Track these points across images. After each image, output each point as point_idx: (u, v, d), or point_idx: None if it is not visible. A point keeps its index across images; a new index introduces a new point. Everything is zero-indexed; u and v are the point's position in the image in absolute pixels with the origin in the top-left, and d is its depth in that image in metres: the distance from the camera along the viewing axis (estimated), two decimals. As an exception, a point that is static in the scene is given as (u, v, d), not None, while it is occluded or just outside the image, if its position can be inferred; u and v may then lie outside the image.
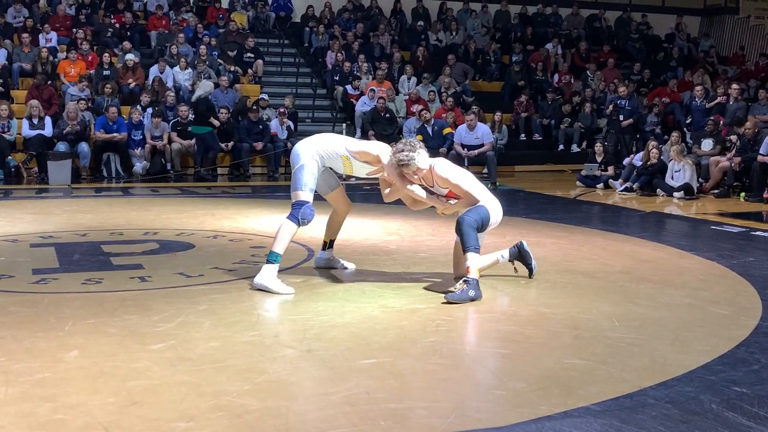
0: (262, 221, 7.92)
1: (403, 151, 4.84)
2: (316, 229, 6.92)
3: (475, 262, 4.76)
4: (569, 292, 4.97)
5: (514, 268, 5.32)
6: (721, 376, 3.41)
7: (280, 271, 4.96)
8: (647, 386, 3.23)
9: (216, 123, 13.00)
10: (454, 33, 18.37)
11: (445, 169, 5.02)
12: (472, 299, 4.62)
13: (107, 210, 8.86)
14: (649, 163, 11.24)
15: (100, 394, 3.07)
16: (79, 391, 3.10)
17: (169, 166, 12.79)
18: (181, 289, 4.91)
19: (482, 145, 12.54)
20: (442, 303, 4.62)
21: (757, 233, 7.64)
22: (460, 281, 4.76)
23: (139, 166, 12.57)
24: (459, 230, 4.85)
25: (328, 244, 5.59)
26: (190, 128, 12.99)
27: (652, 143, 11.67)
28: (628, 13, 20.02)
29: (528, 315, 4.43)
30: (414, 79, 15.87)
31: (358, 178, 5.11)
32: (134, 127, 12.76)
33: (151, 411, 2.93)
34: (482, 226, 4.91)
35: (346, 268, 5.56)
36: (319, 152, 5.01)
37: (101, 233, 7.10)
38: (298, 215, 4.90)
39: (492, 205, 5.01)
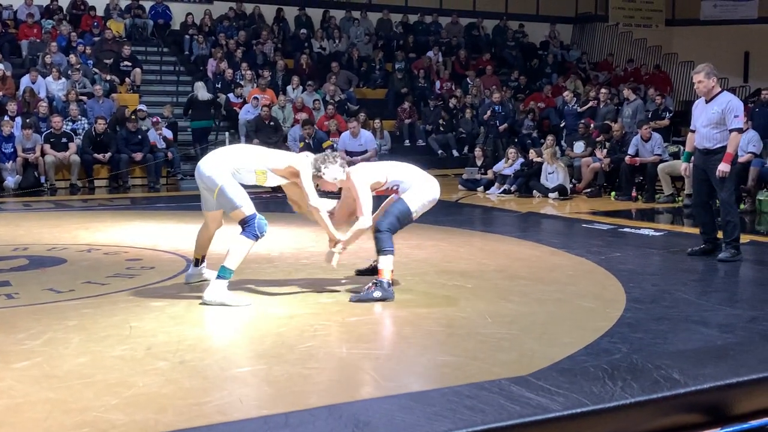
0: (140, 233, 7.73)
1: (322, 160, 4.96)
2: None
3: (386, 265, 4.86)
4: (446, 292, 5.10)
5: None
6: (584, 366, 3.57)
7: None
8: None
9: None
10: (337, 41, 18.46)
11: (357, 178, 5.04)
12: (379, 299, 4.74)
13: (-26, 227, 8.44)
14: (534, 162, 11.67)
15: (-43, 417, 2.94)
16: (-67, 416, 2.96)
17: (43, 179, 12.29)
18: (50, 305, 4.74)
19: (366, 152, 12.68)
20: (349, 301, 4.75)
21: (625, 230, 8.02)
22: (370, 282, 4.86)
23: (10, 180, 12.01)
24: (375, 236, 4.97)
25: (201, 261, 5.36)
26: (188, 122, 13.89)
27: (510, 150, 12.19)
28: (505, 21, 20.64)
29: (405, 316, 4.52)
30: (301, 88, 15.85)
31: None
32: (4, 139, 12.19)
33: (13, 430, 2.82)
34: (400, 221, 5.05)
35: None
36: (232, 169, 4.81)
37: (-34, 251, 6.76)
38: (255, 231, 4.73)
39: (416, 193, 5.10)
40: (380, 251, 4.91)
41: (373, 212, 5.14)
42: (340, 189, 5.24)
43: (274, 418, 2.76)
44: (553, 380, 3.05)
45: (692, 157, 6.56)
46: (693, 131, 6.48)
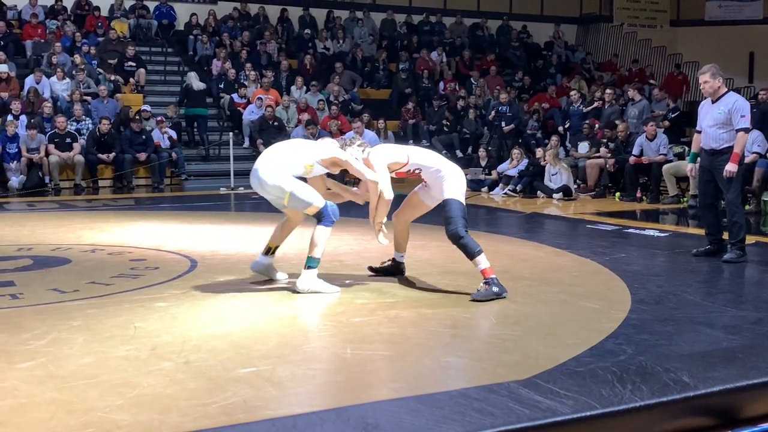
0: (144, 234, 7.74)
1: (343, 143, 5.21)
2: (199, 242, 6.83)
3: (485, 263, 4.92)
4: (450, 293, 5.08)
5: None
6: (589, 367, 3.56)
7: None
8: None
9: None
10: (341, 41, 18.47)
11: (375, 158, 5.16)
12: (498, 295, 4.82)
13: (-21, 227, 8.45)
14: (541, 163, 11.65)
15: (-38, 418, 2.94)
16: (-62, 416, 2.96)
17: (47, 180, 12.31)
18: (55, 306, 4.74)
19: (369, 152, 12.64)
20: (470, 300, 4.79)
21: (630, 230, 8.01)
22: (482, 282, 4.88)
23: (15, 180, 12.05)
24: (456, 244, 5.03)
25: (272, 250, 5.44)
26: (182, 110, 14.31)
27: (514, 150, 12.14)
28: (508, 21, 20.62)
29: (409, 316, 4.51)
30: (305, 89, 15.85)
31: None
32: (9, 139, 12.22)
33: (17, 431, 2.82)
34: (465, 216, 5.08)
35: (278, 279, 5.46)
36: (293, 174, 4.99)
37: (-29, 251, 6.76)
38: (331, 218, 5.00)
39: (454, 184, 5.16)
40: (472, 255, 4.96)
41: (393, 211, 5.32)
42: (345, 171, 5.40)
43: (282, 421, 2.75)
44: (562, 383, 3.04)
45: (698, 158, 6.55)
46: (699, 132, 6.46)
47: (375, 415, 2.73)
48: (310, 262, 5.01)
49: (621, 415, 2.85)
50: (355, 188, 5.63)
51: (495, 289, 4.85)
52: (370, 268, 5.69)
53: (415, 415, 2.69)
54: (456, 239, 5.00)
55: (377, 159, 5.15)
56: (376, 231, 5.27)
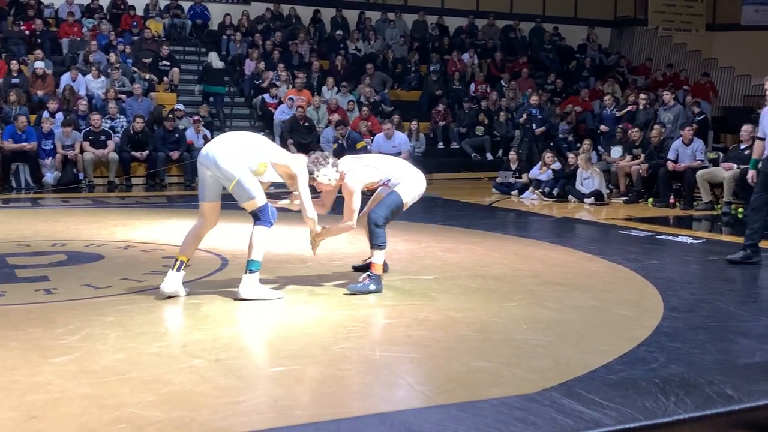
0: (176, 231, 7.78)
1: (314, 162, 5.07)
2: (230, 240, 6.87)
3: (379, 259, 5.11)
4: (480, 297, 5.06)
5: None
6: (621, 375, 3.53)
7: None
8: (549, 386, 3.32)
9: None
10: (372, 42, 18.49)
11: (352, 182, 5.16)
12: (371, 292, 4.97)
13: (14, 221, 8.58)
14: (570, 167, 11.56)
15: (-2, 410, 2.98)
16: (-26, 408, 3.01)
17: (81, 176, 12.47)
18: (88, 301, 4.80)
19: (399, 154, 12.63)
20: (344, 294, 4.94)
21: (663, 237, 7.92)
22: (364, 275, 5.11)
23: (49, 176, 12.21)
24: (368, 228, 5.21)
25: (184, 265, 4.95)
26: (202, 87, 15.26)
27: (547, 154, 12.04)
28: (541, 23, 20.51)
29: (438, 319, 4.50)
30: (335, 89, 15.90)
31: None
32: (45, 136, 12.39)
33: (50, 425, 2.86)
34: (394, 213, 5.24)
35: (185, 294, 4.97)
36: (247, 163, 4.83)
37: (7, 245, 6.87)
38: (270, 218, 4.88)
39: (408, 186, 5.28)
40: (376, 246, 5.14)
41: (362, 209, 5.36)
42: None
43: (325, 425, 2.77)
44: (605, 393, 3.01)
45: (759, 164, 6.47)
46: (762, 139, 6.43)
47: (418, 421, 2.73)
48: (251, 266, 4.81)
49: (665, 428, 2.81)
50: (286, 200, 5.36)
51: (372, 286, 5.02)
52: (354, 267, 5.82)
53: (458, 423, 2.68)
54: (373, 224, 5.15)
55: (355, 185, 5.16)
56: (314, 245, 5.33)
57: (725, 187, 10.15)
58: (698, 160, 10.83)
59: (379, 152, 12.65)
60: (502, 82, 17.67)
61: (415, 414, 2.90)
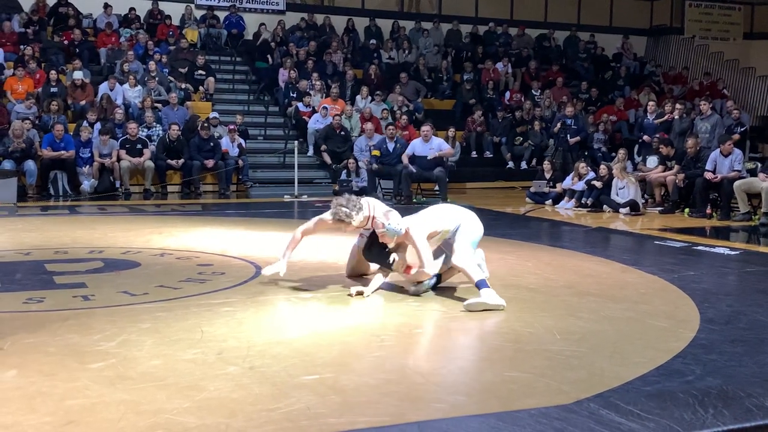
0: (211, 239, 7.87)
1: (343, 206, 5.16)
2: (264, 248, 6.91)
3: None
4: (513, 307, 5.03)
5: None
6: (656, 387, 3.49)
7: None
8: (583, 398, 3.29)
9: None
10: (406, 51, 18.54)
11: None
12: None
13: (53, 228, 8.72)
14: (604, 177, 11.46)
15: (37, 414, 3.03)
16: (14, 411, 3.06)
17: (118, 184, 12.65)
18: (125, 308, 4.86)
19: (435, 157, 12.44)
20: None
21: (699, 248, 7.82)
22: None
23: (87, 184, 12.41)
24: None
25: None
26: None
27: (581, 164, 11.94)
28: (575, 32, 20.40)
29: (472, 329, 4.49)
30: (369, 98, 15.94)
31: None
32: (82, 144, 12.60)
33: (87, 430, 2.90)
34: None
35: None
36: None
37: (45, 252, 6.99)
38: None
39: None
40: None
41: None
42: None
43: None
44: (643, 405, 2.99)
45: None
46: None
47: (457, 430, 2.73)
48: (481, 284, 5.02)
49: (704, 440, 2.79)
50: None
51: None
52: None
53: (497, 433, 2.68)
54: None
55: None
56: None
57: (763, 198, 10.00)
58: (736, 170, 10.67)
59: (413, 154, 12.41)
60: (532, 90, 17.60)
61: (455, 423, 2.89)
